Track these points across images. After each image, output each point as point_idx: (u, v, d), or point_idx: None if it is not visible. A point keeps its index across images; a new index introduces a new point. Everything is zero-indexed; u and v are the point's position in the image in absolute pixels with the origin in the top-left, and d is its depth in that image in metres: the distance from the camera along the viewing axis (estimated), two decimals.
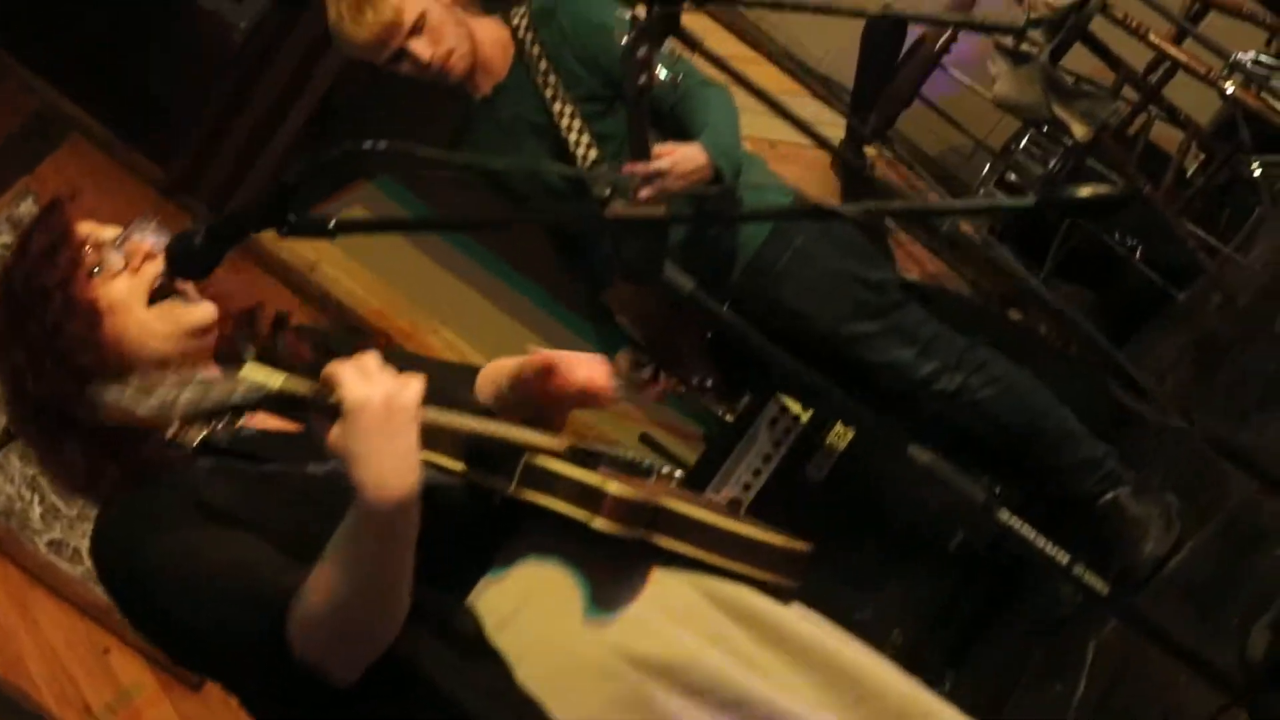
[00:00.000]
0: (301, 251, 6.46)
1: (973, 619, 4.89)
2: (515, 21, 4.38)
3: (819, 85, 6.70)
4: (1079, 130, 4.83)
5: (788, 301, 4.40)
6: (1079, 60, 4.99)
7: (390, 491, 2.11)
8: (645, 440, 5.96)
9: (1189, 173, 5.59)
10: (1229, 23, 5.35)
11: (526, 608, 2.42)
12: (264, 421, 2.51)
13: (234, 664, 2.41)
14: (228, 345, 2.66)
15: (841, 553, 4.69)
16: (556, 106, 4.30)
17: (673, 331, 4.48)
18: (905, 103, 5.49)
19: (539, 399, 2.69)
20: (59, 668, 5.82)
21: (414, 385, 2.16)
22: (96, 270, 2.50)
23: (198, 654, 2.51)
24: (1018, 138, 5.80)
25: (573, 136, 4.29)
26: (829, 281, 4.42)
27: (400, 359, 2.95)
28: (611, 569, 2.44)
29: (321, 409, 2.14)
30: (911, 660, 4.67)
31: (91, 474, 2.46)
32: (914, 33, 5.60)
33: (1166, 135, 5.74)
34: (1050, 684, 4.21)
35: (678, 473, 2.75)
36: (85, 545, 4.38)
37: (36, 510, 5.92)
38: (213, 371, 2.57)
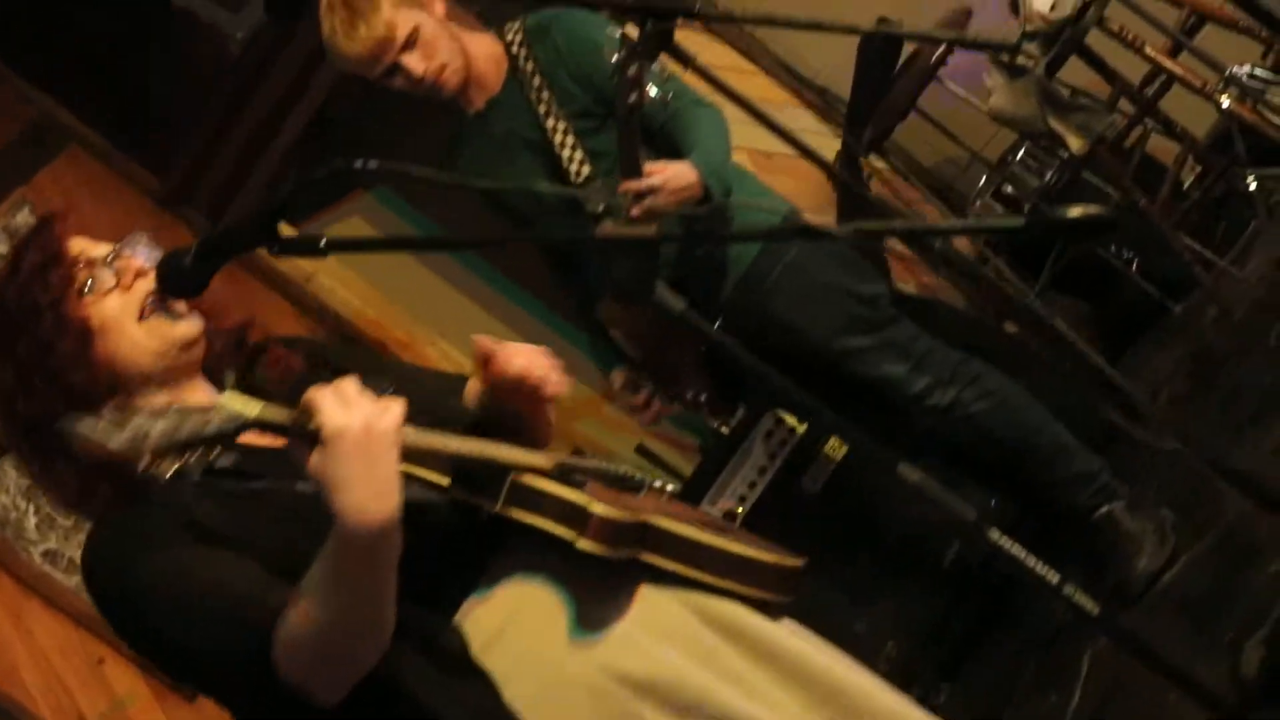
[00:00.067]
0: (298, 262, 6.45)
1: (967, 632, 4.88)
2: (509, 37, 4.39)
3: (815, 97, 6.71)
4: (1075, 143, 4.83)
5: (780, 316, 4.40)
6: (1075, 73, 4.99)
7: (370, 517, 2.11)
8: (641, 451, 5.96)
9: (1185, 185, 5.60)
10: (1225, 36, 5.35)
11: (512, 627, 2.43)
12: (252, 437, 2.52)
13: (223, 682, 2.43)
14: (218, 361, 2.67)
15: (837, 565, 4.68)
16: (549, 123, 4.30)
17: (666, 346, 4.48)
18: (901, 115, 5.49)
19: (497, 393, 2.70)
20: (53, 678, 5.82)
21: (394, 410, 2.17)
22: (88, 288, 2.50)
23: (188, 671, 2.52)
24: (1014, 150, 5.82)
25: (566, 153, 4.30)
26: (821, 296, 4.42)
27: (393, 370, 2.96)
28: (599, 586, 2.45)
29: (301, 435, 2.14)
30: (906, 673, 4.69)
31: (83, 492, 2.46)
32: (910, 45, 5.61)
33: (1163, 148, 5.74)
34: (1044, 697, 4.21)
35: (669, 486, 2.74)
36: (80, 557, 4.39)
37: (32, 520, 5.92)
38: (198, 393, 2.59)
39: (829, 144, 5.97)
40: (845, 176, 3.74)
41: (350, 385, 2.16)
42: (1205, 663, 3.57)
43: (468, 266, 6.70)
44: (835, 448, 4.83)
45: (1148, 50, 5.07)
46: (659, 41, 3.12)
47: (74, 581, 5.83)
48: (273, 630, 2.22)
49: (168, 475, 2.02)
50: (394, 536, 2.16)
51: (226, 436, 2.09)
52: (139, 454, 2.01)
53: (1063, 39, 4.69)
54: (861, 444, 2.51)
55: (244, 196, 6.57)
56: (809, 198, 5.80)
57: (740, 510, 4.77)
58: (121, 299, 2.52)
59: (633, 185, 3.94)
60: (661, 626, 2.44)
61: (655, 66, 3.47)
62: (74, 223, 2.61)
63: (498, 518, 2.38)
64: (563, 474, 2.43)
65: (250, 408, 2.10)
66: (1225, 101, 4.80)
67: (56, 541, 5.91)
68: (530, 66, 4.32)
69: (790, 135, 3.13)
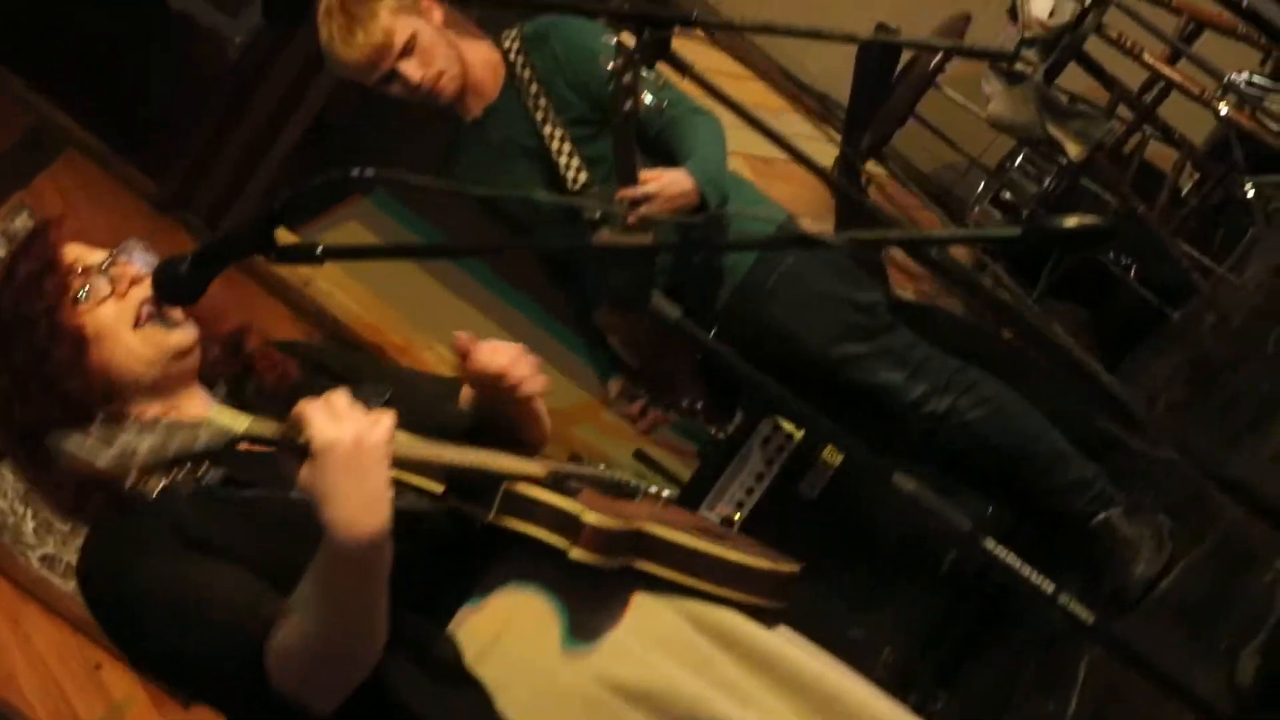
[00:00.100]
0: (295, 267, 6.45)
1: (965, 637, 4.88)
2: (506, 45, 4.39)
3: (815, 103, 6.71)
4: (1073, 150, 4.84)
5: (776, 323, 4.40)
6: (1074, 80, 5.00)
7: (360, 531, 2.11)
8: (639, 457, 5.95)
9: (1183, 192, 5.60)
10: (1223, 43, 5.36)
11: (506, 635, 2.43)
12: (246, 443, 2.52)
13: (217, 691, 2.43)
14: (214, 367, 2.66)
15: (834, 571, 4.68)
16: (547, 130, 4.31)
17: (663, 353, 4.49)
18: (900, 121, 5.49)
19: (479, 391, 2.71)
20: (51, 683, 5.82)
21: (384, 423, 2.17)
22: (83, 296, 2.50)
23: (182, 679, 2.53)
24: (1012, 156, 5.81)
25: (563, 160, 4.30)
26: (818, 303, 4.42)
27: (389, 374, 2.96)
28: (593, 594, 2.45)
29: (290, 449, 2.13)
30: (903, 679, 4.70)
31: (79, 498, 2.47)
32: (908, 52, 5.61)
33: (1161, 154, 5.75)
34: (1042, 703, 4.21)
35: (665, 492, 2.74)
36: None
37: (29, 525, 5.92)
38: (194, 401, 2.59)
39: (828, 149, 5.97)
40: (843, 184, 3.73)
41: (340, 398, 2.16)
42: (1201, 670, 3.57)
43: (466, 271, 6.70)
44: (833, 454, 4.84)
45: (1146, 57, 5.08)
46: (656, 49, 3.12)
47: (71, 586, 5.83)
48: (265, 640, 2.23)
49: (155, 493, 2.01)
50: (384, 549, 2.16)
51: (215, 452, 2.08)
52: (126, 471, 1.99)
53: (1061, 45, 4.70)
54: (857, 453, 2.51)
55: (242, 201, 6.57)
56: (808, 203, 5.80)
57: (738, 516, 4.78)
58: (117, 306, 2.52)
59: (629, 192, 3.95)
60: (655, 634, 2.44)
61: (650, 74, 3.46)
62: (71, 228, 2.61)
63: (492, 526, 2.38)
64: (556, 482, 2.43)
65: (239, 422, 2.09)
66: (1223, 109, 4.81)
67: (54, 546, 5.91)
68: (527, 74, 4.33)
69: (787, 143, 3.13)
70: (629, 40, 3.38)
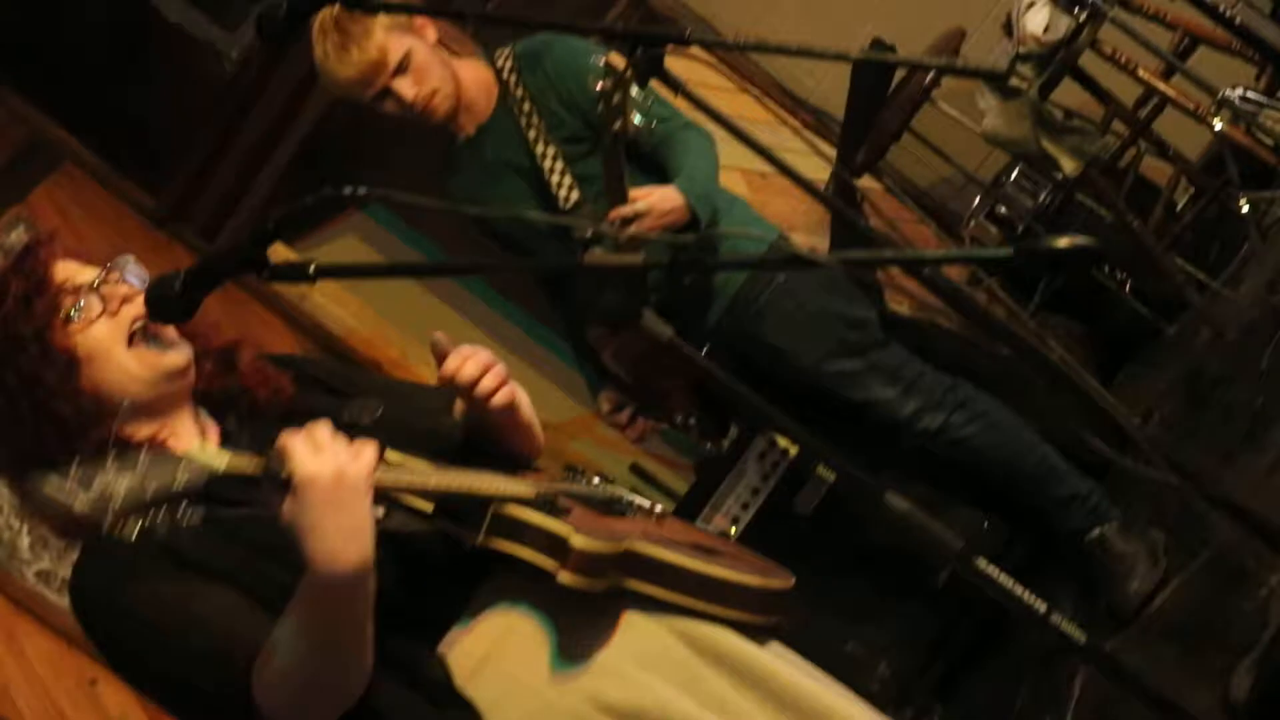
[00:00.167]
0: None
1: (961, 653, 4.88)
2: (499, 63, 4.40)
3: (810, 117, 6.72)
4: (1068, 165, 4.84)
5: (768, 340, 4.41)
6: (1069, 95, 5.00)
7: (343, 564, 2.12)
8: (635, 471, 5.96)
9: (1179, 207, 5.60)
10: (1218, 58, 5.36)
11: (496, 656, 2.43)
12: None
13: (206, 715, 2.42)
14: (208, 382, 2.65)
15: (831, 585, 4.67)
16: (539, 148, 4.31)
17: (656, 370, 4.48)
18: (895, 137, 5.49)
19: (461, 399, 2.69)
20: (46, 698, 5.80)
21: (366, 456, 2.17)
22: (74, 315, 2.49)
23: (172, 702, 2.52)
24: (1008, 171, 5.81)
25: (555, 178, 4.31)
26: (810, 320, 4.43)
27: (383, 387, 2.95)
28: (583, 613, 2.45)
29: (272, 483, 2.13)
30: (900, 694, 4.70)
31: (67, 525, 2.46)
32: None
33: (1156, 169, 5.75)
34: (1038, 718, 4.21)
35: (658, 508, 2.73)
36: None
37: (25, 540, 5.91)
38: (186, 421, 2.58)
39: (824, 163, 5.97)
40: (837, 202, 3.73)
41: (323, 430, 2.16)
42: (1196, 686, 3.58)
43: (462, 285, 6.71)
44: (828, 469, 4.83)
45: (1141, 72, 5.09)
46: (650, 67, 3.12)
47: (67, 602, 5.78)
48: (253, 666, 2.23)
49: (133, 536, 2.00)
50: (367, 581, 2.17)
51: (194, 492, 2.06)
52: (103, 514, 1.98)
53: (1056, 61, 4.70)
54: (848, 473, 2.51)
55: (239, 215, 6.58)
56: (805, 217, 5.81)
57: (733, 531, 4.77)
58: (109, 325, 2.51)
59: (620, 211, 3.96)
60: (645, 653, 2.44)
61: (640, 94, 3.47)
62: (64, 243, 2.60)
63: (481, 546, 2.38)
64: (545, 503, 2.43)
65: (219, 459, 2.08)
66: (1218, 124, 4.81)
67: (50, 561, 5.90)
68: (520, 92, 4.33)
69: (781, 162, 3.13)
70: (618, 62, 3.39)
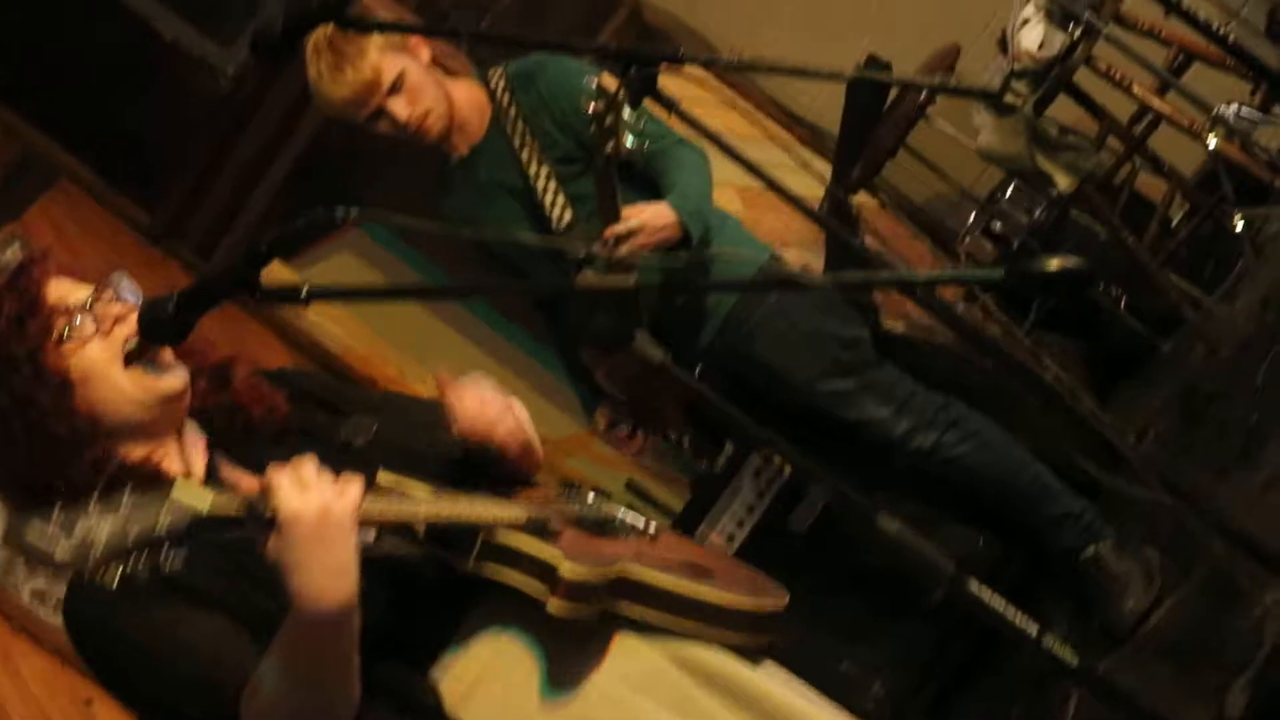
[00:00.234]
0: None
1: (955, 672, 4.88)
2: (492, 83, 4.39)
3: (805, 133, 6.73)
4: (1063, 182, 4.85)
5: (761, 360, 4.41)
6: (1063, 111, 5.00)
7: (327, 602, 2.12)
8: (631, 487, 5.95)
9: (1173, 223, 5.61)
10: (1213, 74, 5.37)
11: (486, 680, 2.43)
12: (233, 480, 2.51)
13: None
14: (202, 399, 2.65)
15: (825, 604, 4.67)
16: (533, 169, 4.31)
17: (649, 390, 4.48)
18: (890, 153, 5.50)
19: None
20: (41, 717, 5.79)
21: (351, 492, 2.17)
22: (66, 336, 2.47)
23: None
24: (1003, 187, 5.82)
25: (548, 198, 4.30)
26: (802, 340, 4.42)
27: (378, 402, 2.94)
28: (573, 637, 2.45)
29: (258, 521, 2.13)
30: (893, 714, 4.69)
31: None
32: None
33: (1152, 185, 5.76)
34: None
35: (652, 526, 2.72)
36: None
37: (20, 558, 5.90)
38: (184, 442, 2.57)
39: (820, 176, 5.97)
40: (831, 222, 3.73)
41: (308, 466, 2.16)
42: (1191, 705, 3.57)
43: (460, 302, 6.69)
44: (821, 488, 4.83)
45: (1136, 89, 5.10)
46: (643, 87, 3.13)
47: (61, 621, 5.81)
48: (240, 696, 2.23)
49: (114, 583, 1.99)
50: (352, 618, 2.17)
51: (177, 534, 2.05)
52: (85, 561, 1.96)
53: (1051, 77, 4.71)
54: (841, 494, 2.51)
55: (234, 232, 6.58)
56: (800, 232, 5.79)
57: (730, 548, 4.78)
58: (102, 345, 2.48)
59: (613, 229, 3.97)
60: (637, 675, 2.44)
61: (632, 115, 3.47)
62: (58, 261, 2.58)
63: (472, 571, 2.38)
64: (536, 527, 2.42)
65: (202, 500, 2.06)
66: (1212, 141, 4.81)
67: (45, 580, 5.89)
68: (513, 113, 4.33)
69: (775, 182, 3.13)
70: (611, 84, 3.39)
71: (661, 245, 4.10)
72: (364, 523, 2.18)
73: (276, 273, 2.27)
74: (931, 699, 4.83)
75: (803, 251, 5.65)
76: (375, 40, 4.13)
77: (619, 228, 3.99)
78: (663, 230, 4.11)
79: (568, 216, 4.30)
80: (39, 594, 5.89)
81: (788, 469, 4.83)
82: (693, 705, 2.45)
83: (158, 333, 2.38)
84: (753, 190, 5.55)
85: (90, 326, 2.49)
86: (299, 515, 2.10)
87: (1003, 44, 4.90)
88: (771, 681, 2.57)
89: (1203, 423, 4.67)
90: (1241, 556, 3.71)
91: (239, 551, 2.28)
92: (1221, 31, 4.53)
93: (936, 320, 4.39)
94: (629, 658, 2.45)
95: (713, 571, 2.62)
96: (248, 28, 6.43)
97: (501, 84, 4.37)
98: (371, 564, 2.18)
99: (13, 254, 6.20)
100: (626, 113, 3.48)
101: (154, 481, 2.38)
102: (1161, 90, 5.19)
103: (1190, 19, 4.54)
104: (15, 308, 2.46)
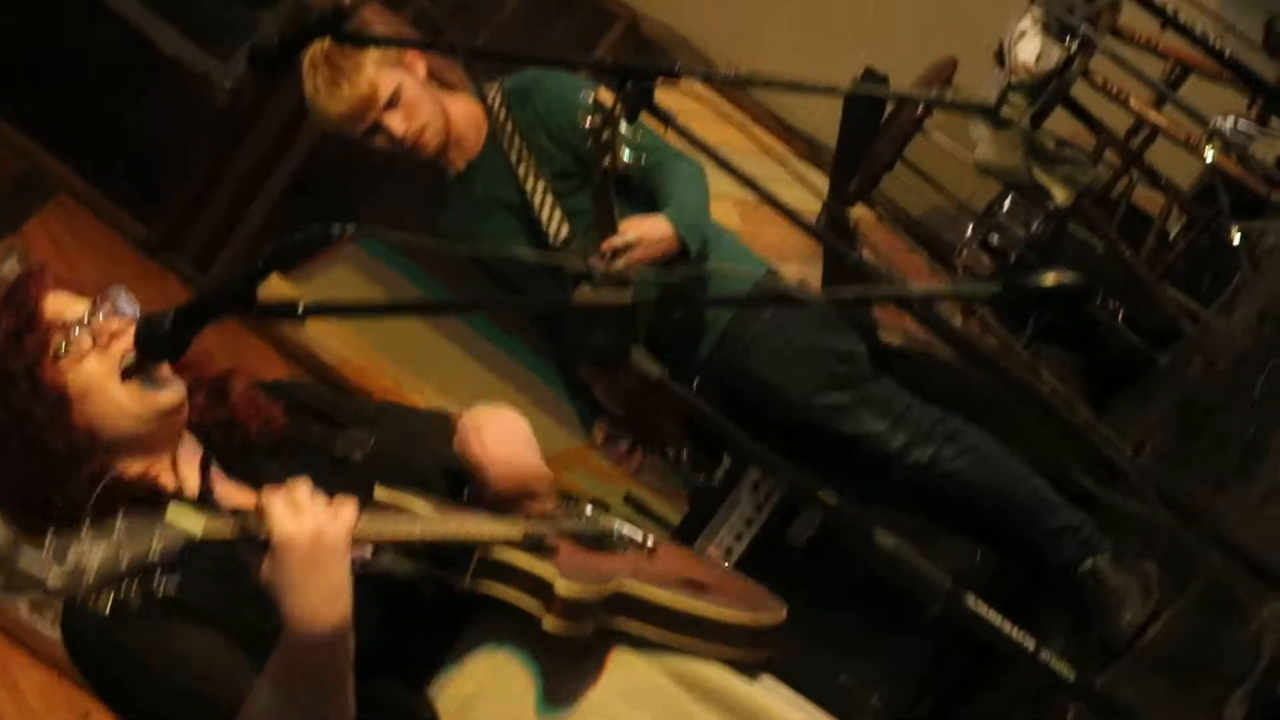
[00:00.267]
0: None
1: (954, 685, 4.87)
2: (489, 99, 4.39)
3: (803, 146, 6.72)
4: (1060, 195, 4.85)
5: (758, 374, 4.41)
6: (1060, 124, 5.00)
7: (320, 626, 2.12)
8: (629, 501, 5.95)
9: (1171, 236, 5.61)
10: (1209, 87, 5.37)
11: (482, 697, 2.43)
12: (227, 496, 2.51)
13: None
14: (200, 414, 2.64)
15: (823, 617, 4.67)
16: (529, 184, 4.31)
17: (646, 405, 4.49)
18: (887, 167, 5.49)
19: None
20: None
21: (344, 515, 2.16)
22: (64, 351, 2.46)
23: None
24: (1000, 200, 5.82)
25: (545, 213, 4.30)
26: (799, 354, 4.43)
27: (376, 413, 2.94)
28: (569, 654, 2.45)
29: (251, 544, 2.13)
30: None
31: None
32: None
33: (1149, 198, 5.76)
34: None
35: (650, 540, 2.72)
36: None
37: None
38: (182, 455, 2.57)
39: (817, 189, 5.97)
40: (828, 237, 3.74)
41: (302, 490, 2.16)
42: (1188, 719, 3.57)
43: (457, 316, 6.68)
44: (818, 503, 4.83)
45: (1132, 102, 5.10)
46: (640, 102, 3.13)
47: (59, 634, 5.79)
48: (234, 713, 2.23)
49: (106, 610, 1.98)
50: (346, 639, 2.17)
51: (170, 559, 2.04)
52: (77, 589, 1.96)
53: (1048, 91, 4.71)
54: (838, 509, 2.51)
55: (232, 244, 6.58)
56: (798, 245, 5.80)
57: (727, 562, 4.78)
58: (99, 360, 2.47)
59: (609, 242, 3.97)
60: (634, 691, 2.44)
61: (629, 129, 3.48)
62: (55, 274, 2.57)
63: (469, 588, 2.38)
64: (533, 544, 2.42)
65: (195, 524, 2.05)
66: (1209, 154, 4.82)
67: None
68: (510, 128, 4.32)
69: (773, 197, 3.13)
70: (607, 98, 3.39)
71: (659, 258, 4.11)
72: (359, 542, 2.18)
73: (275, 286, 2.26)
74: (929, 713, 4.83)
75: (801, 264, 5.66)
76: (372, 55, 4.13)
77: (616, 240, 4.00)
78: (660, 243, 4.11)
79: (565, 231, 4.30)
80: (37, 606, 5.89)
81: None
82: None
83: (155, 348, 2.38)
84: (750, 203, 5.56)
85: (88, 342, 2.48)
86: (292, 539, 2.10)
87: (1000, 57, 4.89)
88: (769, 696, 2.57)
89: (1200, 436, 4.67)
90: (1239, 569, 3.71)
91: (233, 567, 2.28)
92: (1218, 45, 4.53)
93: (934, 334, 4.39)
94: (626, 673, 2.45)
95: (711, 586, 2.62)
96: (246, 42, 6.45)
97: (498, 99, 4.37)
98: (367, 580, 2.19)
99: (11, 267, 6.20)
100: (623, 127, 3.49)
101: (150, 498, 2.39)
102: (1158, 103, 5.20)
103: (1186, 32, 4.54)
104: (13, 323, 2.46)
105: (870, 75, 5.13)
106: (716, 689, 2.49)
